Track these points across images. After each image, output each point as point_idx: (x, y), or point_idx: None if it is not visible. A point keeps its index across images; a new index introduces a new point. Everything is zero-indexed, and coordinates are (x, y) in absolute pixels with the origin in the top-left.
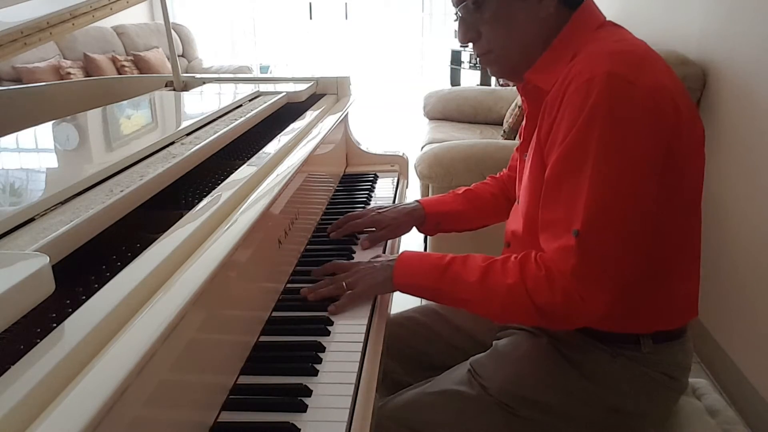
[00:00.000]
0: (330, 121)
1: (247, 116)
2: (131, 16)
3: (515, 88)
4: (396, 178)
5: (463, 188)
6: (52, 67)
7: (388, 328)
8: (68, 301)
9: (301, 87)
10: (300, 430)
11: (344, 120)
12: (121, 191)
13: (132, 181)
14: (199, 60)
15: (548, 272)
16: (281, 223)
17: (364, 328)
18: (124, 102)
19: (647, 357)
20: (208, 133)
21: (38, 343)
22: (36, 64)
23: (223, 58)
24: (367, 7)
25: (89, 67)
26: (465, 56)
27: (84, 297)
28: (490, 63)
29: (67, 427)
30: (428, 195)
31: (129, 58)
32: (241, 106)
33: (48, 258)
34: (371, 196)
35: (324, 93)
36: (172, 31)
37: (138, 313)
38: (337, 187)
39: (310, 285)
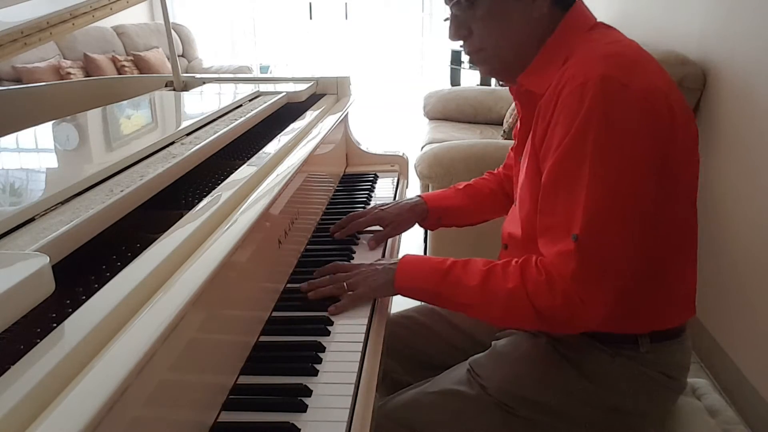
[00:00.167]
0: (330, 121)
1: (247, 116)
2: (131, 16)
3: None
4: (396, 178)
5: (464, 183)
6: (52, 67)
7: (388, 327)
8: (68, 301)
9: (301, 87)
10: (300, 430)
11: (344, 120)
12: (121, 191)
13: (132, 181)
14: (199, 60)
15: (548, 276)
16: (281, 223)
17: (364, 328)
18: (124, 102)
19: (645, 357)
20: (208, 133)
21: (38, 343)
22: (36, 64)
23: (223, 58)
24: (367, 7)
25: (89, 67)
26: (465, 56)
27: (84, 297)
28: (481, 61)
29: (67, 427)
30: None
31: (129, 58)
32: (241, 106)
33: (48, 258)
34: (371, 196)
35: (324, 93)
36: (172, 31)
37: (138, 313)
38: (337, 187)
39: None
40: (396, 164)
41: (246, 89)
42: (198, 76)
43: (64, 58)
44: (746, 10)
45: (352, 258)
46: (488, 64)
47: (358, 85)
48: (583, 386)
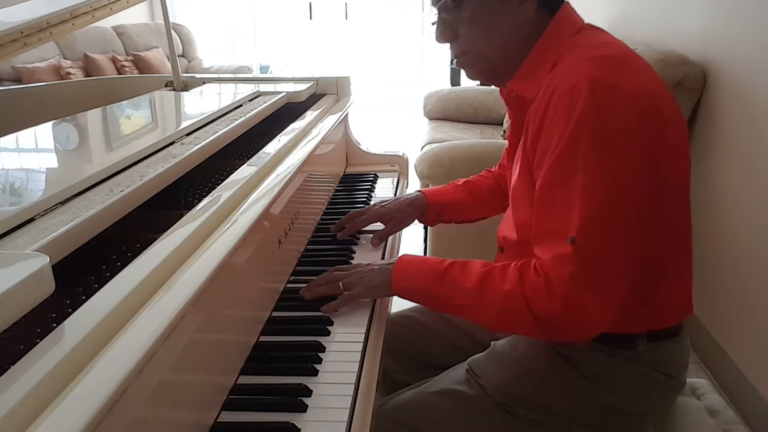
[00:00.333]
0: (330, 121)
1: (247, 116)
2: (131, 16)
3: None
4: (396, 178)
5: (462, 180)
6: (52, 67)
7: (388, 327)
8: (68, 301)
9: (301, 87)
10: (300, 430)
11: (344, 120)
12: (121, 191)
13: (132, 181)
14: (199, 60)
15: (547, 279)
16: (281, 223)
17: (364, 328)
18: (124, 102)
19: (643, 356)
20: (208, 133)
21: (38, 343)
22: (36, 64)
23: (223, 58)
24: (367, 7)
25: (89, 67)
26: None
27: (84, 297)
28: (466, 64)
29: (67, 427)
30: None
31: (129, 58)
32: (241, 106)
33: (48, 258)
34: (371, 196)
35: (324, 93)
36: (172, 31)
37: (138, 313)
38: (337, 187)
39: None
40: (396, 164)
41: (246, 89)
42: (198, 76)
43: (64, 58)
44: (746, 10)
45: (352, 258)
46: (474, 67)
47: (358, 85)
48: (581, 386)
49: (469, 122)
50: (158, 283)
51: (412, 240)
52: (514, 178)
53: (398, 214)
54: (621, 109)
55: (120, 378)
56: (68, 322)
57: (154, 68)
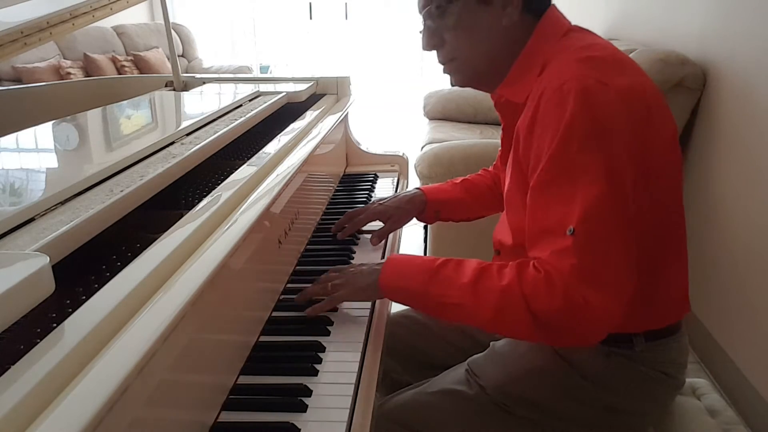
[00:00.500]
0: (330, 121)
1: (247, 116)
2: (131, 16)
3: None
4: (396, 178)
5: (461, 178)
6: (52, 67)
7: (388, 327)
8: (68, 301)
9: (301, 87)
10: (300, 430)
11: (344, 120)
12: (121, 191)
13: (132, 181)
14: (199, 60)
15: (547, 274)
16: (281, 223)
17: (364, 328)
18: (124, 102)
19: (641, 355)
20: (208, 133)
21: (38, 343)
22: (36, 64)
23: (223, 58)
24: (367, 7)
25: (89, 67)
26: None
27: (84, 297)
28: (453, 71)
29: (67, 427)
30: None
31: (129, 58)
32: (241, 106)
33: (48, 258)
34: (371, 196)
35: (324, 93)
36: (172, 31)
37: (138, 313)
38: (337, 187)
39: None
40: (396, 164)
41: (246, 89)
42: (198, 76)
43: (64, 58)
44: (746, 10)
45: (352, 258)
46: (461, 73)
47: (358, 85)
48: (581, 386)
49: (469, 122)
50: (158, 283)
51: (412, 241)
52: (508, 182)
53: (397, 212)
54: (611, 104)
55: (120, 378)
56: (68, 322)
57: (154, 68)
